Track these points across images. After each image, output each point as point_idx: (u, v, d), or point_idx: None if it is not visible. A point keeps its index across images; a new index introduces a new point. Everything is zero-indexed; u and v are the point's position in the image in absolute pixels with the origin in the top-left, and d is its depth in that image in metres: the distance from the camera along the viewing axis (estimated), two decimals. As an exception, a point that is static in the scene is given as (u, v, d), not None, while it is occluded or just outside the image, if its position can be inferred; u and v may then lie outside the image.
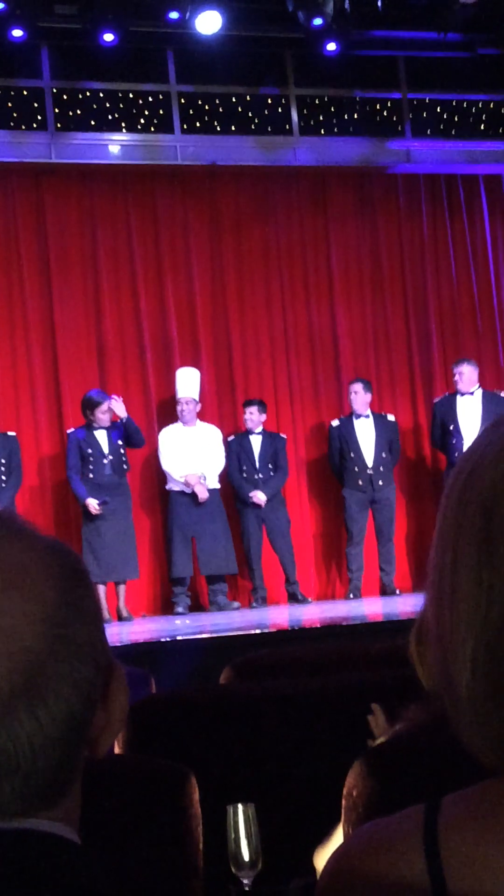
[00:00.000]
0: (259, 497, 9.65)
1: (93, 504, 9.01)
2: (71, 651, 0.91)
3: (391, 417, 10.20)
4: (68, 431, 9.47)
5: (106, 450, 9.21)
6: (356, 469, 9.86)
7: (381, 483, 9.86)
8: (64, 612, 0.91)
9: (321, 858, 2.13)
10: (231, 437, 9.91)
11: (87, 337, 10.15)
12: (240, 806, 2.20)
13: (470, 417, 9.82)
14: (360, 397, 9.97)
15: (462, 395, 9.89)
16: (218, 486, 9.61)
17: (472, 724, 0.88)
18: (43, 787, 0.90)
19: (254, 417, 9.85)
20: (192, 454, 9.48)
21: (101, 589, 8.81)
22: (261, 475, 9.75)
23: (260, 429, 9.88)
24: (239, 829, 2.20)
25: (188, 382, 9.80)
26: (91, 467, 9.17)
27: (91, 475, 9.16)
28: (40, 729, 0.89)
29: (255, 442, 9.83)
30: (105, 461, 9.17)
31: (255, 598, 9.67)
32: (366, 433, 9.94)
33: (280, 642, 6.05)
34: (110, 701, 0.97)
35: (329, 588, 10.44)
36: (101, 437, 9.25)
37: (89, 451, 9.22)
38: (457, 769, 1.72)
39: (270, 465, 9.80)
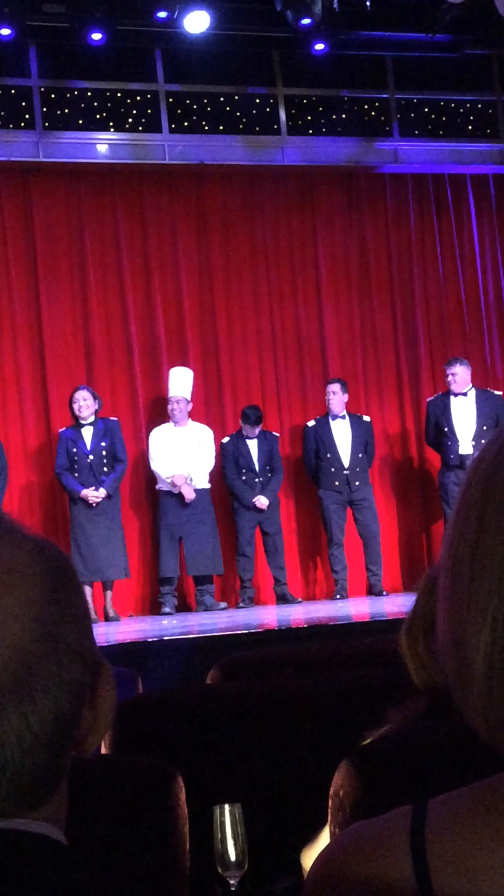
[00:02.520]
0: (262, 502, 9.66)
1: (90, 494, 8.98)
2: (59, 650, 0.91)
3: (367, 418, 10.19)
4: (59, 431, 9.42)
5: (87, 449, 9.18)
6: (333, 470, 9.84)
7: (357, 483, 9.84)
8: (52, 612, 0.91)
9: (308, 858, 2.13)
10: (226, 439, 9.89)
11: (74, 337, 10.14)
12: (226, 806, 2.20)
13: (464, 417, 9.82)
14: (337, 398, 9.95)
15: (455, 395, 9.89)
16: (208, 486, 9.59)
17: (486, 707, 0.87)
18: (30, 786, 0.90)
19: (250, 430, 9.82)
20: (182, 454, 9.47)
21: (88, 590, 8.80)
22: (260, 478, 9.75)
23: (255, 431, 9.87)
24: (225, 829, 2.20)
25: (181, 382, 9.78)
26: (76, 467, 9.16)
27: (77, 474, 9.15)
28: (28, 728, 0.89)
29: (252, 445, 9.82)
30: (87, 461, 9.14)
31: (242, 598, 9.67)
32: (342, 434, 9.91)
33: (267, 642, 6.05)
34: (98, 700, 0.96)
35: (314, 588, 10.45)
36: (87, 435, 9.22)
37: (74, 450, 9.20)
38: (444, 770, 1.72)
39: (268, 467, 9.80)
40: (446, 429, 9.79)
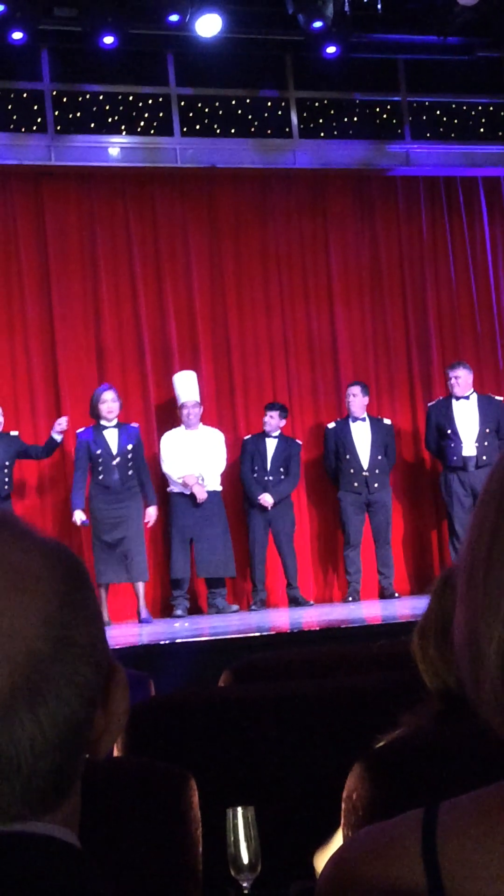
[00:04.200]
0: (266, 500, 9.67)
1: (78, 518, 8.98)
2: (72, 653, 0.91)
3: (387, 421, 10.22)
4: (78, 432, 9.33)
5: (115, 451, 9.14)
6: (352, 471, 9.87)
7: (376, 486, 9.87)
8: (65, 614, 0.91)
9: (321, 862, 2.13)
10: (248, 437, 9.93)
11: (86, 340, 10.15)
12: (239, 809, 2.20)
13: (466, 421, 9.83)
14: (357, 400, 9.99)
15: (458, 399, 9.90)
16: (219, 488, 9.60)
17: (500, 700, 0.88)
18: (43, 789, 0.90)
19: (273, 421, 9.86)
20: (194, 457, 9.46)
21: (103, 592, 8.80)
22: (271, 478, 9.76)
23: (277, 432, 9.89)
24: (238, 832, 2.19)
25: (189, 386, 9.79)
26: (100, 468, 9.10)
27: (101, 476, 9.10)
28: (41, 731, 0.89)
29: (271, 445, 9.85)
30: (113, 463, 9.10)
31: (254, 600, 9.68)
32: (362, 436, 9.94)
33: (279, 645, 6.05)
34: (111, 703, 0.96)
35: (327, 591, 10.44)
36: (111, 437, 9.18)
37: (99, 451, 9.13)
38: (456, 773, 1.72)
39: (282, 469, 9.81)
40: (449, 431, 9.81)
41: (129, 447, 9.11)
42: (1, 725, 0.87)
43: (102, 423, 9.19)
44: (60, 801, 0.92)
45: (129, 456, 9.10)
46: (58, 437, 9.03)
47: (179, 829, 1.88)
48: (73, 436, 9.33)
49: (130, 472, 9.09)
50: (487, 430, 9.78)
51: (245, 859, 2.19)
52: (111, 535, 8.94)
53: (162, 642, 6.44)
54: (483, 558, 0.89)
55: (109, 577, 8.89)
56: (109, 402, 9.17)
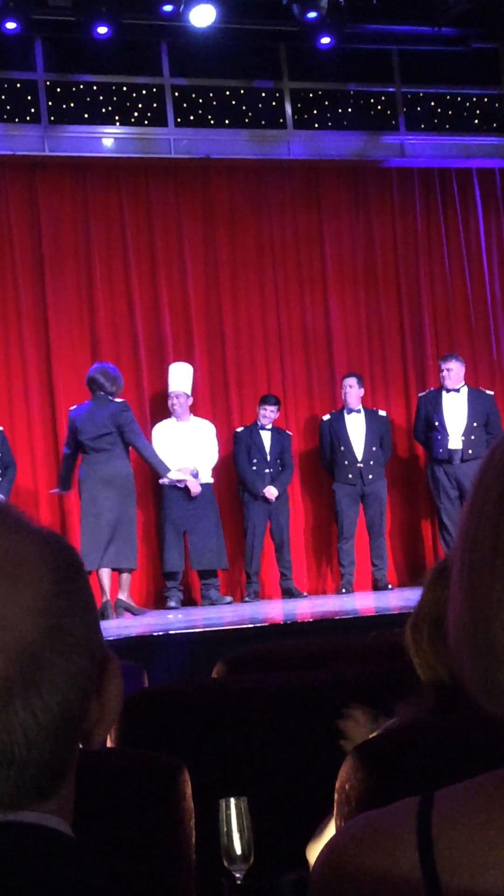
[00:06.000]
0: (272, 492, 9.67)
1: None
2: (66, 643, 0.91)
3: (382, 413, 10.22)
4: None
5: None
6: (346, 463, 9.88)
7: (371, 477, 9.87)
8: (59, 604, 0.91)
9: (313, 852, 2.13)
10: (240, 430, 9.91)
11: (80, 331, 10.14)
12: (232, 800, 2.20)
13: (455, 414, 9.84)
14: (353, 392, 9.99)
15: (448, 391, 9.91)
16: (211, 480, 9.60)
17: None
18: (37, 779, 0.90)
19: (271, 415, 9.85)
20: (185, 449, 9.45)
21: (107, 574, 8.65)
22: (271, 470, 9.77)
23: (270, 424, 9.89)
24: (231, 823, 2.20)
25: (180, 377, 9.77)
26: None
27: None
28: (35, 720, 0.89)
29: (266, 437, 9.85)
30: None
31: (248, 592, 9.68)
32: (357, 428, 9.95)
33: (273, 637, 6.05)
34: (105, 693, 0.97)
35: (321, 583, 10.45)
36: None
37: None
38: (449, 764, 1.72)
39: (279, 461, 9.82)
40: (437, 423, 9.82)
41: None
42: None
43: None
44: (54, 791, 0.92)
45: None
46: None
47: (172, 819, 1.88)
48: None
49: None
50: (475, 424, 9.79)
51: (238, 850, 2.19)
52: (100, 519, 8.82)
53: (156, 633, 6.44)
54: (489, 549, 0.89)
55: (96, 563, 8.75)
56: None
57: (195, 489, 9.38)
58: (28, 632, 0.89)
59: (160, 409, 9.95)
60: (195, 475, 9.40)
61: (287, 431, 10.08)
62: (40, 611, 0.90)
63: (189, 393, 9.75)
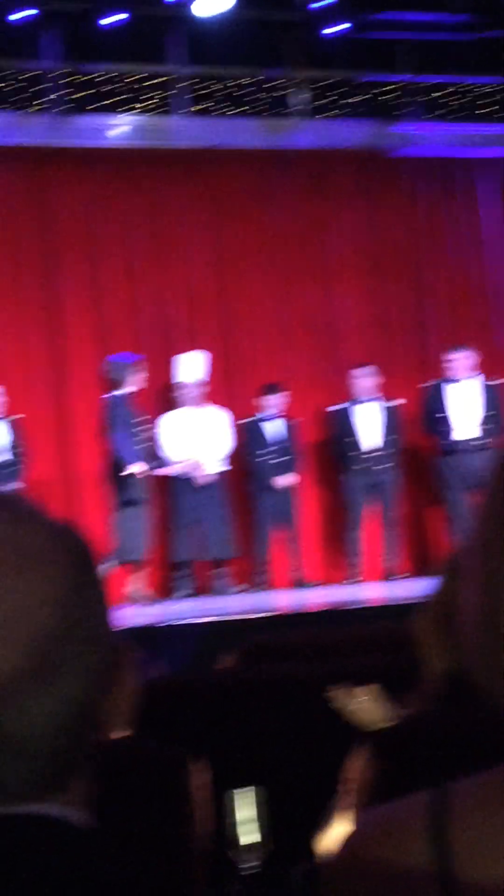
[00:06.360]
0: (283, 481, 9.66)
1: (139, 468, 8.80)
2: (81, 634, 0.91)
3: (392, 403, 10.19)
4: (105, 397, 9.17)
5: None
6: (356, 453, 9.86)
7: (381, 467, 9.86)
8: (75, 596, 0.91)
9: (321, 844, 2.13)
10: (246, 420, 9.88)
11: (88, 321, 10.13)
12: (243, 790, 2.21)
13: (460, 405, 9.81)
14: (363, 381, 9.97)
15: (453, 381, 9.88)
16: (223, 469, 9.57)
17: None
18: (52, 770, 0.90)
19: (277, 404, 9.84)
20: (198, 438, 9.41)
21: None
22: (279, 459, 9.76)
23: (274, 414, 9.88)
24: (239, 814, 2.20)
25: (187, 367, 9.77)
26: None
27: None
28: (49, 712, 0.89)
29: (272, 427, 9.83)
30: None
31: (258, 581, 9.68)
32: (367, 418, 9.93)
33: (282, 626, 6.06)
34: (119, 686, 0.97)
35: (331, 572, 10.44)
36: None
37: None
38: (459, 756, 1.72)
39: (286, 450, 9.81)
40: (440, 415, 9.79)
41: (148, 416, 8.97)
42: (9, 705, 0.87)
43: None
44: (70, 782, 0.93)
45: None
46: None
47: (179, 810, 1.88)
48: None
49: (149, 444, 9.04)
50: (481, 415, 9.76)
51: (247, 841, 2.19)
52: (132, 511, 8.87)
53: (165, 623, 6.45)
54: (500, 539, 0.88)
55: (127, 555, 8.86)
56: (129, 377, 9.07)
57: (201, 479, 9.37)
58: (43, 624, 0.89)
59: (165, 398, 9.91)
60: (199, 466, 9.36)
61: (291, 420, 10.06)
62: (56, 602, 0.90)
63: (204, 381, 9.76)
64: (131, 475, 8.89)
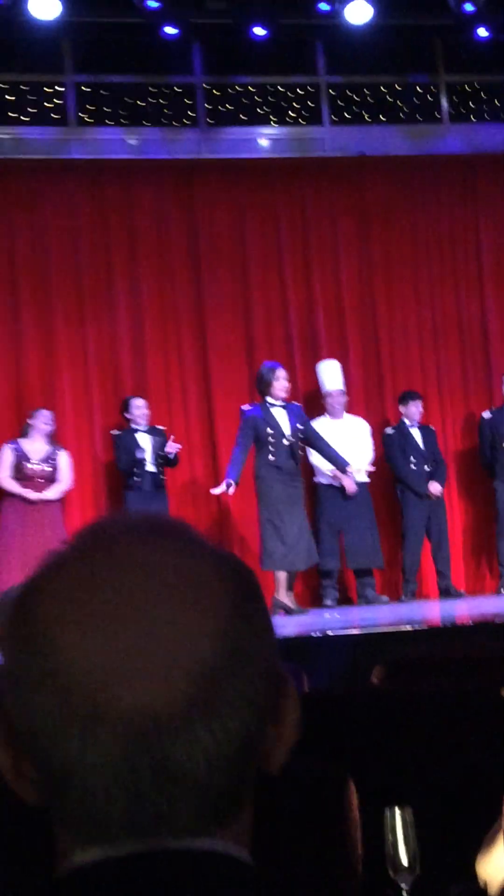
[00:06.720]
0: (436, 489, 9.58)
1: (225, 487, 8.61)
2: (245, 665, 0.90)
3: None
4: (243, 407, 9.12)
5: (287, 431, 8.87)
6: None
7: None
8: (238, 626, 0.90)
9: (485, 866, 2.09)
10: (390, 430, 9.81)
11: (235, 330, 10.20)
12: (397, 809, 2.18)
13: None
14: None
15: None
16: (367, 479, 9.52)
17: None
18: (217, 804, 0.90)
19: (419, 411, 9.77)
20: (340, 447, 9.39)
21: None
22: (428, 467, 9.68)
23: (418, 421, 9.80)
24: (396, 833, 2.17)
25: (334, 374, 9.75)
26: (272, 448, 8.93)
27: (271, 457, 8.90)
28: (216, 745, 0.88)
29: (417, 434, 9.76)
30: (285, 441, 8.88)
31: (405, 591, 9.59)
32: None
33: (431, 639, 5.99)
34: (282, 716, 0.96)
35: (479, 582, 10.30)
36: (281, 417, 8.95)
37: (269, 430, 8.92)
38: None
39: (433, 458, 9.73)
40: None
41: (300, 427, 8.97)
42: (177, 737, 0.87)
43: (275, 402, 8.99)
44: (233, 817, 0.92)
45: (300, 436, 8.95)
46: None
47: (338, 830, 1.87)
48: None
49: (300, 453, 8.98)
50: None
51: (404, 860, 2.16)
52: (285, 519, 8.83)
53: (312, 634, 6.43)
54: None
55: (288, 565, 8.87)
56: (283, 381, 9.03)
57: (351, 488, 9.33)
58: (208, 654, 0.88)
59: (314, 406, 9.89)
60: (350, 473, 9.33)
61: (431, 427, 9.96)
62: (220, 633, 0.89)
63: (343, 389, 9.73)
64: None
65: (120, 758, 0.86)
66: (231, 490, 8.58)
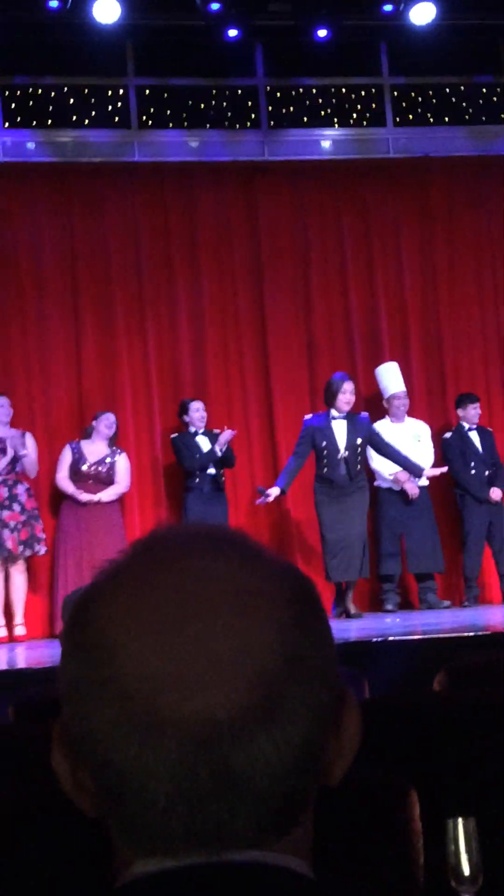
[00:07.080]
0: (497, 495, 9.50)
1: (272, 494, 8.73)
2: (306, 675, 0.89)
3: None
4: (305, 417, 9.17)
5: (342, 445, 8.93)
6: None
7: None
8: (298, 636, 0.90)
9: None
10: (448, 434, 9.73)
11: (296, 332, 10.18)
12: (460, 819, 2.14)
13: None
14: None
15: None
16: (427, 482, 9.44)
17: None
18: (277, 815, 0.88)
19: (469, 413, 9.68)
20: (402, 450, 9.32)
21: None
22: (489, 471, 9.60)
23: (476, 424, 9.72)
24: (459, 843, 2.13)
25: (397, 377, 9.70)
26: (325, 461, 8.94)
27: (325, 469, 8.93)
28: (277, 753, 0.86)
29: (476, 437, 9.67)
30: (338, 456, 8.93)
31: (467, 596, 9.51)
32: None
33: (495, 645, 5.92)
34: (343, 728, 0.94)
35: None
36: (340, 430, 8.99)
37: (325, 443, 8.95)
38: None
39: (492, 462, 9.65)
40: None
41: (358, 441, 8.98)
42: (238, 745, 0.85)
43: (333, 413, 8.99)
44: (293, 829, 0.90)
45: (358, 450, 8.96)
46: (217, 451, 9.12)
47: (400, 840, 1.84)
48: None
49: (359, 468, 8.99)
50: None
51: (466, 871, 2.13)
52: (334, 531, 8.84)
53: (374, 639, 6.39)
54: None
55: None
56: (348, 394, 9.02)
57: (413, 492, 9.28)
58: (268, 663, 0.87)
59: (376, 409, 9.82)
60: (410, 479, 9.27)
61: (488, 429, 9.87)
62: (279, 642, 0.88)
63: (406, 391, 9.69)
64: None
65: (180, 765, 0.85)
66: (270, 498, 8.76)
